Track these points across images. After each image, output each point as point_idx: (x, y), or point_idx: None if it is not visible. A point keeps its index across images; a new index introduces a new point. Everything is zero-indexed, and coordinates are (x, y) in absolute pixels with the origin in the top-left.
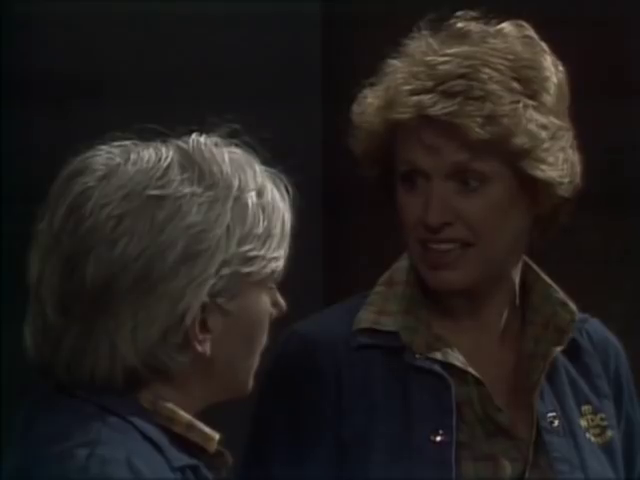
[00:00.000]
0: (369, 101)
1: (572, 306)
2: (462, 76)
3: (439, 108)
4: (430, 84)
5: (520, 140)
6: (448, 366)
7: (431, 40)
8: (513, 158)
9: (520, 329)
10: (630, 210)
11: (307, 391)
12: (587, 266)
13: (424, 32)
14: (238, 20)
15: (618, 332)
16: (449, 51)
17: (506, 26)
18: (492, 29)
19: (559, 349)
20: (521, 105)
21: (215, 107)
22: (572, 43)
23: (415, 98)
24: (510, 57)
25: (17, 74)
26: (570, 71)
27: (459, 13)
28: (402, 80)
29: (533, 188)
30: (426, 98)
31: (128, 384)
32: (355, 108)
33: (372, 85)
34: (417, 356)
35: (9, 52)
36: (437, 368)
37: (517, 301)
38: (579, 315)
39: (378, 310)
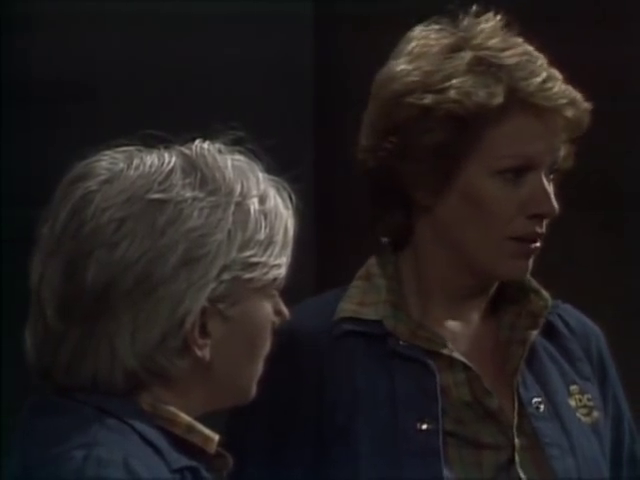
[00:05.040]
0: (467, 90)
1: (545, 293)
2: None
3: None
4: (549, 72)
5: (586, 119)
6: (432, 353)
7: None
8: (565, 137)
9: (496, 318)
10: (626, 214)
11: (289, 383)
12: (580, 268)
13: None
14: (230, 22)
15: (609, 334)
16: (519, 40)
17: (492, 18)
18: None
19: (535, 333)
20: None
21: (206, 108)
22: (571, 43)
23: (555, 84)
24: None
25: (18, 76)
26: (569, 73)
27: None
28: (531, 69)
29: None
30: (558, 84)
31: (128, 387)
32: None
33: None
34: (400, 343)
35: (9, 54)
36: (421, 355)
37: (491, 293)
38: (552, 301)
39: (358, 302)
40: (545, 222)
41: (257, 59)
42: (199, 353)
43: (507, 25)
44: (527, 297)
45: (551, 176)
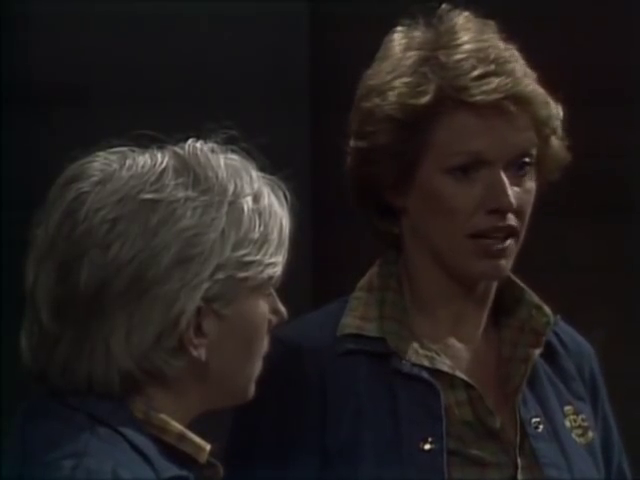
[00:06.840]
0: (402, 91)
1: (547, 309)
2: (509, 57)
3: (510, 87)
4: (492, 67)
5: (546, 111)
6: (435, 372)
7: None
8: (544, 132)
9: (497, 333)
10: (626, 217)
11: (291, 399)
12: (575, 273)
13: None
14: (226, 21)
15: (608, 337)
16: (485, 36)
17: (466, 15)
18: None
19: (538, 352)
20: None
21: (203, 108)
22: (570, 44)
23: (492, 80)
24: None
25: (17, 77)
26: (569, 76)
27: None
28: (469, 65)
29: (540, 168)
30: (498, 80)
31: (124, 389)
32: (380, 100)
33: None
34: (404, 362)
35: (8, 54)
36: (425, 375)
37: (490, 304)
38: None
39: (360, 316)
40: (510, 217)
41: (253, 58)
42: (195, 353)
43: (486, 22)
44: (528, 312)
45: (525, 170)
